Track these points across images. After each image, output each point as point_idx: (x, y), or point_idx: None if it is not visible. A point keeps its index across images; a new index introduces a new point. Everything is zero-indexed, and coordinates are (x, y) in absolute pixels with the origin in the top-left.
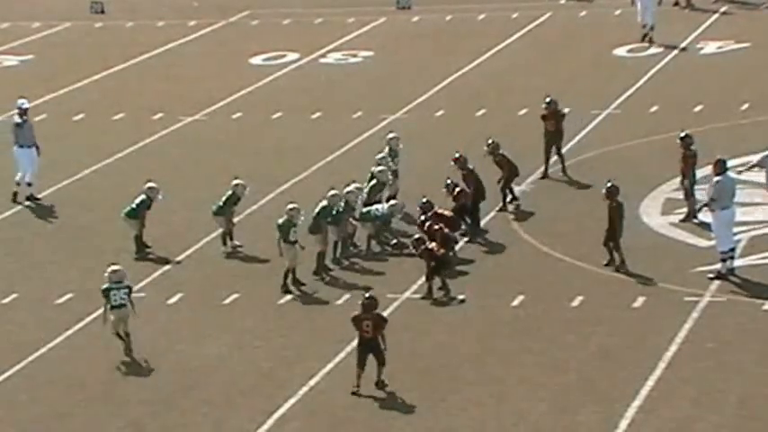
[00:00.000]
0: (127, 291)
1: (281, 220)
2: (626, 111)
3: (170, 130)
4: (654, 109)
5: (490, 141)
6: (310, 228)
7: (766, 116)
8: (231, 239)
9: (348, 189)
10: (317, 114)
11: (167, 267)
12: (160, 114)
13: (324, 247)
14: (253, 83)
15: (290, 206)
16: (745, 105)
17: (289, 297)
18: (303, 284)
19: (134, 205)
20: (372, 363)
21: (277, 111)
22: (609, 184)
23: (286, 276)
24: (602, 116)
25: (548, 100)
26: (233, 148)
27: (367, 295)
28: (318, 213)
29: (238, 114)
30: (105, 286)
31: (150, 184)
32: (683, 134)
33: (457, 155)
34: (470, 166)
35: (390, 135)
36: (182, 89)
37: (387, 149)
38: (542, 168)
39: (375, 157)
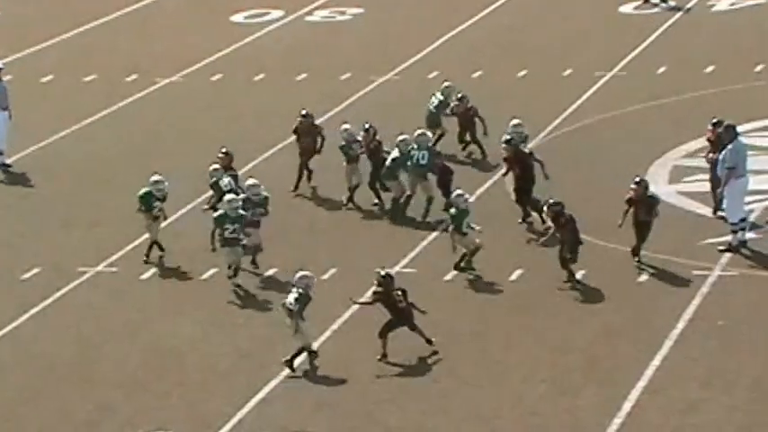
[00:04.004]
0: None
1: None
2: (632, 72)
3: (145, 93)
4: (662, 70)
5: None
6: (384, 175)
7: None
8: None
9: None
10: (303, 76)
11: (140, 240)
12: (134, 75)
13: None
14: (234, 42)
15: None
16: (760, 67)
17: (271, 271)
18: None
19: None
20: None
21: (260, 72)
22: (637, 179)
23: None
24: (606, 78)
25: (459, 96)
26: (213, 111)
27: (383, 273)
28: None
29: (218, 76)
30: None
31: (155, 178)
32: (714, 120)
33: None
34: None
35: (446, 84)
36: (157, 48)
37: (440, 96)
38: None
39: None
